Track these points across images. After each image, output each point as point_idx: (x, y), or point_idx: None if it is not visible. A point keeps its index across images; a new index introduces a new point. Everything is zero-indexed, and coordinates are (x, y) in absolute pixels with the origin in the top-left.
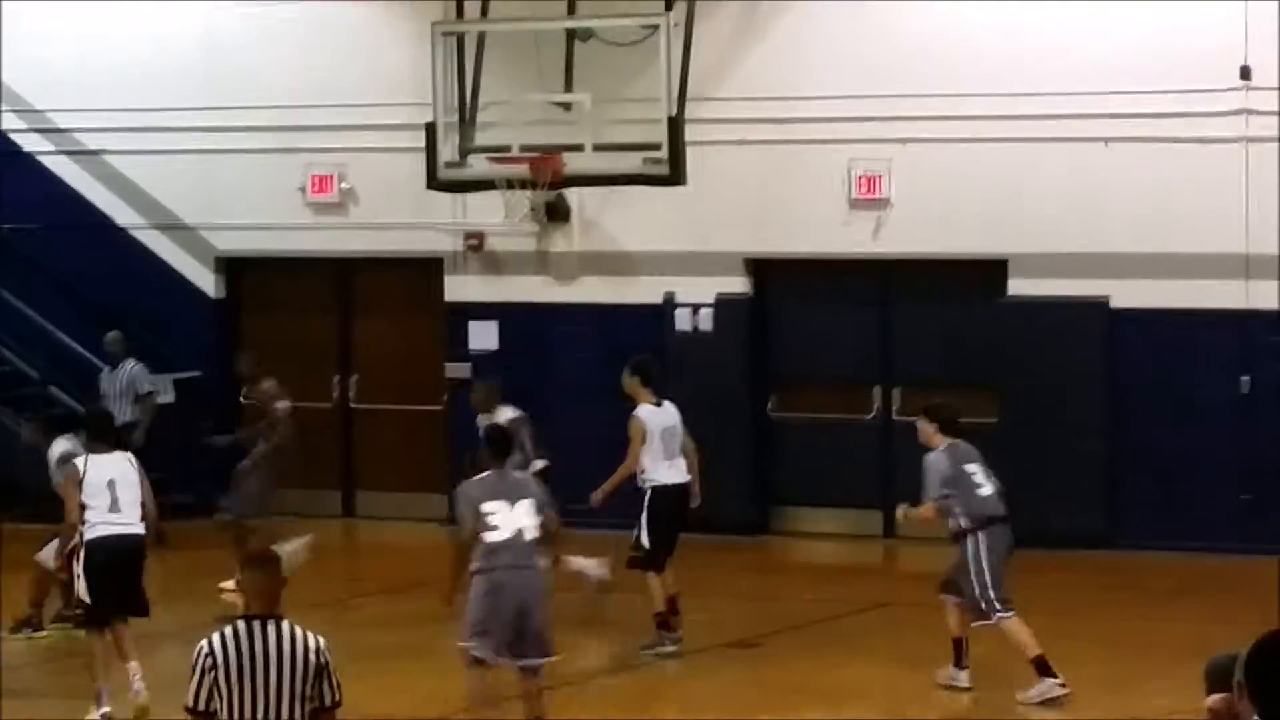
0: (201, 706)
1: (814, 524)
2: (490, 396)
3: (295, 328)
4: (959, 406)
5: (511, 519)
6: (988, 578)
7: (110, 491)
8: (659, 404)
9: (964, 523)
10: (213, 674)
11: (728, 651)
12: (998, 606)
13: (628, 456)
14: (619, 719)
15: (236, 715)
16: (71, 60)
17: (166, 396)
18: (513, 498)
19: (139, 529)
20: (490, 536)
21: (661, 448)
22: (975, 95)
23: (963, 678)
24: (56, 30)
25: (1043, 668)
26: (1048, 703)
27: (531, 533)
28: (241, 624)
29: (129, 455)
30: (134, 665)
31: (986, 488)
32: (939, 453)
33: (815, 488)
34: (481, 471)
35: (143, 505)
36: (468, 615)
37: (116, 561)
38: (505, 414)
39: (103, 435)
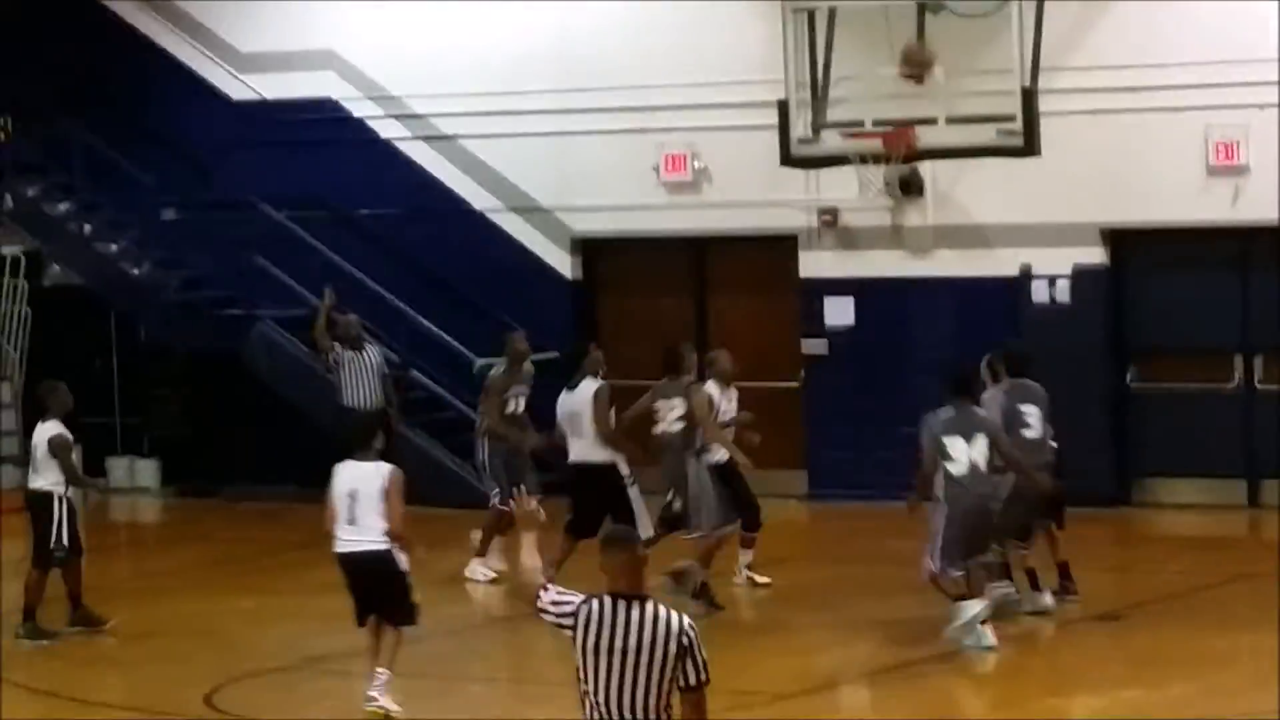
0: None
1: (1176, 495)
2: None
3: (650, 308)
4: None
5: (968, 452)
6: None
7: (349, 503)
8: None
9: None
10: (571, 627)
11: (1093, 624)
12: None
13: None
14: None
15: (592, 692)
16: (427, 47)
17: None
18: (969, 433)
19: (376, 544)
20: (950, 468)
21: None
22: None
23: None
24: (412, 19)
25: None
26: None
27: (984, 466)
28: (607, 600)
29: (381, 466)
30: (383, 672)
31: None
32: None
33: (1177, 458)
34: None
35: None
36: (933, 539)
37: (356, 577)
38: None
39: (360, 442)
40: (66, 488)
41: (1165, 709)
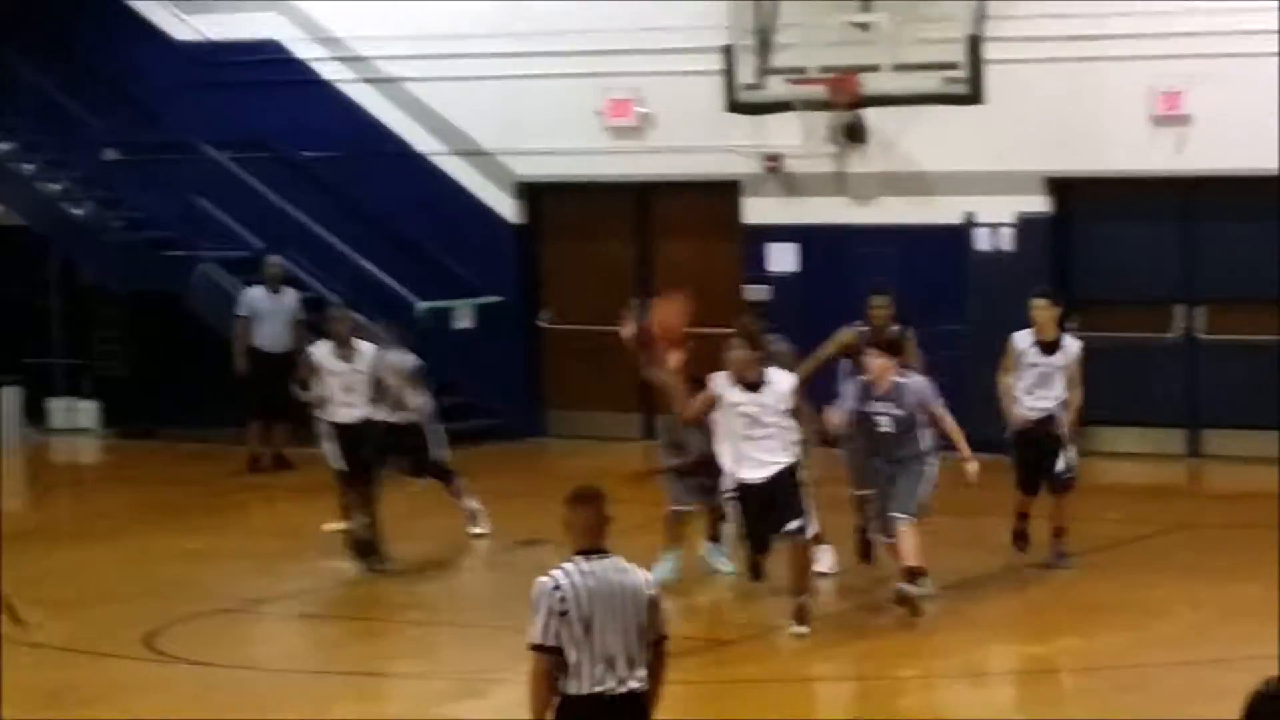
0: (551, 642)
1: (1118, 444)
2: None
3: (594, 252)
4: None
5: None
6: None
7: None
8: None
9: None
10: (562, 612)
11: (1033, 572)
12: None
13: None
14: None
15: (590, 649)
16: None
17: (465, 322)
18: None
19: None
20: None
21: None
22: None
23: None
24: None
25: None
26: None
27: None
28: (581, 559)
29: None
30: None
31: None
32: None
33: (1118, 407)
34: None
35: None
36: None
37: None
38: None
39: None
40: None
41: (1105, 657)
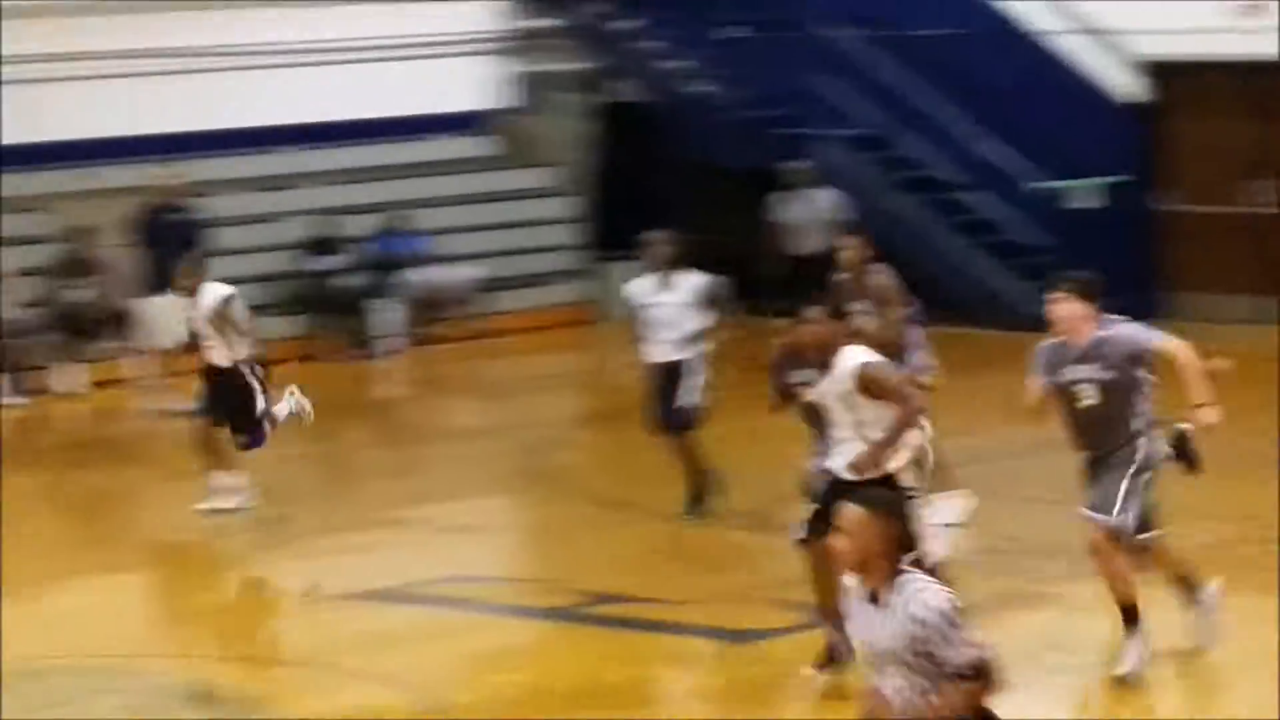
0: None
1: None
2: None
3: (1214, 132)
4: None
5: None
6: None
7: None
8: None
9: None
10: None
11: None
12: None
13: None
14: None
15: None
16: None
17: (1087, 201)
18: None
19: None
20: None
21: None
22: None
23: None
24: None
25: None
26: None
27: None
28: None
29: None
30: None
31: None
32: None
33: None
34: None
35: None
36: None
37: None
38: None
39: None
40: None
41: None
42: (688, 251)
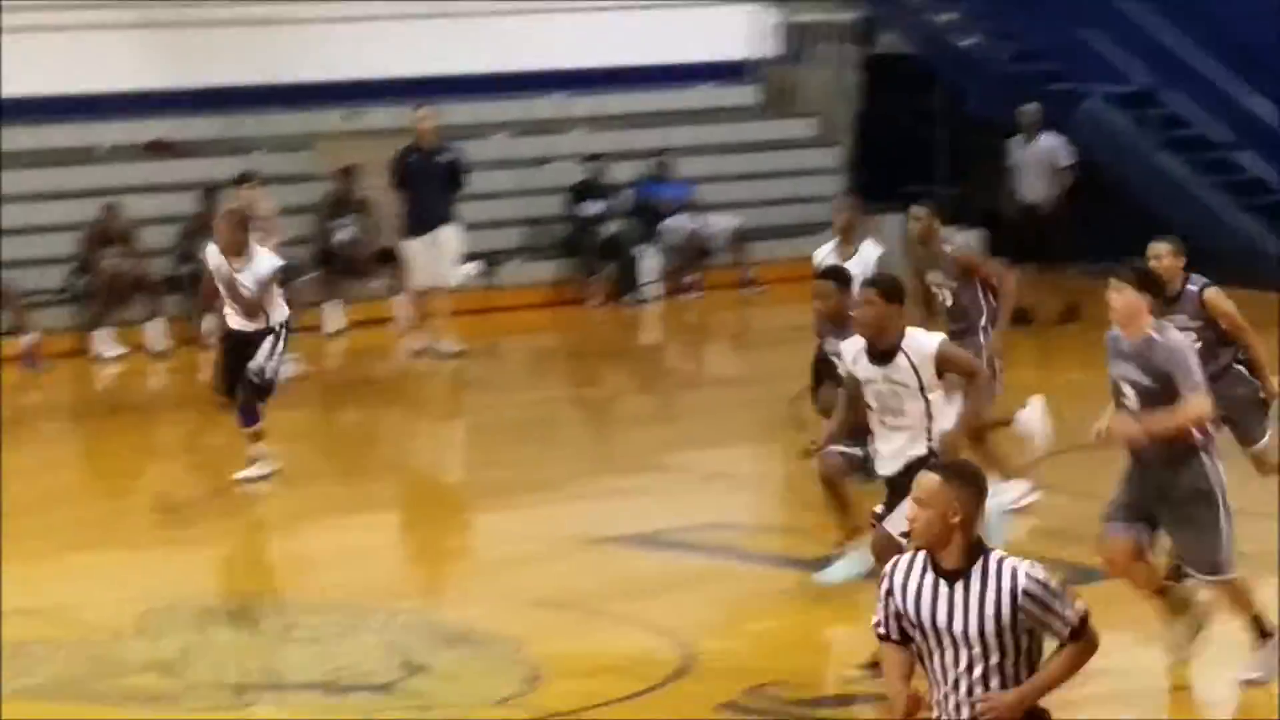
0: None
1: None
2: None
3: None
4: None
5: None
6: None
7: None
8: None
9: None
10: None
11: None
12: None
13: None
14: None
15: None
16: None
17: None
18: None
19: None
20: None
21: None
22: None
23: None
24: None
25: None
26: None
27: None
28: None
29: None
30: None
31: None
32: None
33: None
34: None
35: None
36: None
37: None
38: None
39: None
40: None
41: None
42: (950, 206)
